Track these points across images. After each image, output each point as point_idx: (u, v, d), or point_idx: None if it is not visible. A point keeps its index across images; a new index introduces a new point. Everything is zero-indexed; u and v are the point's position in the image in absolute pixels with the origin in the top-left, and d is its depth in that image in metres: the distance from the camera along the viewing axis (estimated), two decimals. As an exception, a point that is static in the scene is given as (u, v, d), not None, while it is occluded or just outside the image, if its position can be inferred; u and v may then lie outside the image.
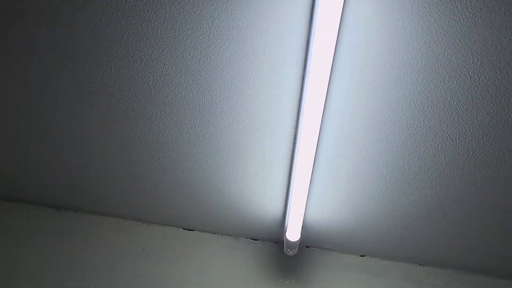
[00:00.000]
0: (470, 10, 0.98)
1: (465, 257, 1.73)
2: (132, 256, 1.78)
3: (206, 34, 1.12)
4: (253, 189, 1.63)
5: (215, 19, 1.09)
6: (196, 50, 1.16)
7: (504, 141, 1.25)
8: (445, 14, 1.00)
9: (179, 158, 1.54)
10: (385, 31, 1.04)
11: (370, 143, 1.35)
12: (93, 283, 1.71)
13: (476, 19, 0.99)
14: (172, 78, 1.25)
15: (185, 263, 1.79)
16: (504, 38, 1.02)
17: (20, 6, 1.12)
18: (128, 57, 1.21)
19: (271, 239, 1.85)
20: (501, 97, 1.14)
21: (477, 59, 1.07)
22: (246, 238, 1.86)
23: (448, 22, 1.01)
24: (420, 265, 1.80)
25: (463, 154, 1.32)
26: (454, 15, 1.00)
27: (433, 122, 1.23)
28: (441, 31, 1.03)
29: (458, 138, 1.27)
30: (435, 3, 0.98)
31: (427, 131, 1.26)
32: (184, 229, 1.87)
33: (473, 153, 1.30)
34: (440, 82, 1.13)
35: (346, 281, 1.77)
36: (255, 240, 1.86)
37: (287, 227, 1.63)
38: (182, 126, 1.40)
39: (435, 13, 1.00)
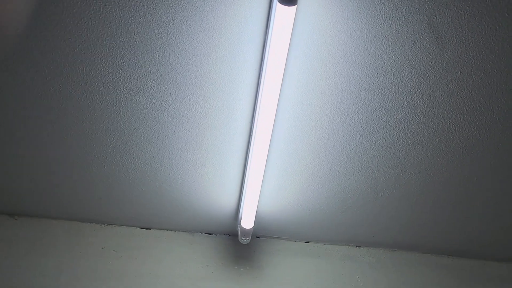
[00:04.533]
0: (392, 18, 1.25)
1: (394, 236, 2.00)
2: (91, 256, 1.85)
3: (164, 34, 1.29)
4: (206, 185, 1.78)
5: (175, 20, 1.26)
6: (152, 47, 1.32)
7: (423, 129, 1.53)
8: (373, 22, 1.25)
9: (133, 157, 1.66)
10: (332, 33, 1.28)
11: (318, 136, 1.57)
12: (54, 284, 1.75)
13: (396, 26, 1.26)
14: (127, 76, 1.39)
15: (144, 259, 1.89)
16: (416, 41, 1.29)
17: None
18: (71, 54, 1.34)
19: (225, 232, 2.01)
20: (417, 90, 1.42)
21: (398, 58, 1.34)
22: (202, 232, 2.00)
23: (375, 29, 1.26)
24: (356, 246, 2.04)
25: (391, 141, 1.58)
26: (380, 23, 1.26)
27: (366, 113, 1.49)
28: (370, 35, 1.28)
29: (385, 127, 1.53)
30: (364, 13, 1.23)
31: (362, 120, 1.51)
32: (141, 228, 1.97)
33: (397, 139, 1.57)
34: (371, 77, 1.39)
35: (294, 265, 1.96)
36: (210, 234, 2.00)
37: (241, 216, 1.79)
38: (135, 122, 1.53)
39: (365, 20, 1.25)
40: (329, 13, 1.23)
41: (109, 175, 1.73)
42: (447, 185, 1.75)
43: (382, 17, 1.24)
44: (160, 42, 1.30)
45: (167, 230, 1.98)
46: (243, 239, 1.85)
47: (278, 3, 1.12)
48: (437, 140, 1.58)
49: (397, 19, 1.25)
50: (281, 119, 1.52)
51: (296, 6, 1.12)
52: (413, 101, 1.45)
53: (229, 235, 2.01)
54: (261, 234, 2.01)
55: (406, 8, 1.22)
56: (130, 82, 1.41)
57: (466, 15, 1.23)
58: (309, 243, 2.03)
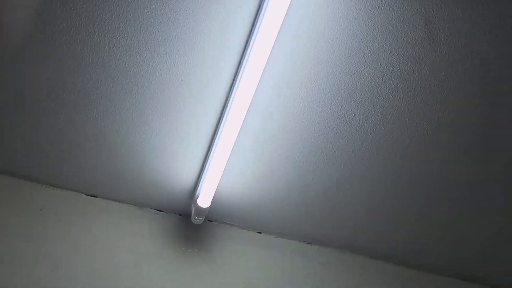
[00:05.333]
0: (390, 5, 1.23)
1: (346, 237, 1.98)
2: (28, 216, 1.68)
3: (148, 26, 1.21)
4: (166, 158, 1.68)
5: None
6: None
7: (396, 126, 1.53)
8: (369, 8, 1.23)
9: (88, 113, 1.53)
10: (308, 32, 1.25)
11: (289, 128, 1.54)
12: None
13: (393, 14, 1.25)
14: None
15: (85, 227, 1.74)
16: (409, 33, 1.29)
17: None
18: None
19: (176, 211, 1.90)
20: (399, 84, 1.41)
21: (388, 48, 1.32)
22: (151, 208, 1.88)
23: (370, 16, 1.25)
24: (308, 243, 2.01)
25: (361, 136, 1.57)
26: (376, 10, 1.24)
27: (334, 107, 1.47)
28: (363, 21, 1.26)
29: (355, 121, 1.52)
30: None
31: (331, 115, 1.49)
32: (87, 194, 1.83)
33: (371, 134, 1.56)
34: (356, 65, 1.36)
35: (243, 254, 1.89)
36: (160, 211, 1.89)
37: (199, 194, 1.70)
38: (100, 82, 1.43)
39: (361, 5, 1.23)
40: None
41: (60, 131, 1.59)
42: (403, 195, 1.77)
43: (380, 3, 1.23)
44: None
45: (114, 200, 1.85)
46: (196, 219, 1.76)
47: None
48: (408, 141, 1.58)
49: (396, 6, 1.24)
50: (257, 105, 1.48)
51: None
52: (393, 96, 1.45)
53: (180, 215, 1.91)
54: (214, 218, 1.92)
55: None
56: (105, 27, 1.30)
57: (462, 15, 1.25)
58: (262, 234, 1.97)
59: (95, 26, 1.30)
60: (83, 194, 1.82)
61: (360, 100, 1.46)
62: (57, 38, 1.33)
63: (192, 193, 1.81)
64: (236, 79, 1.39)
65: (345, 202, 1.82)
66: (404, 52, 1.33)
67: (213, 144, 1.58)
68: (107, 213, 1.81)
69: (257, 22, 1.23)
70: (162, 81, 1.44)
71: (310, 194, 1.80)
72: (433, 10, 1.24)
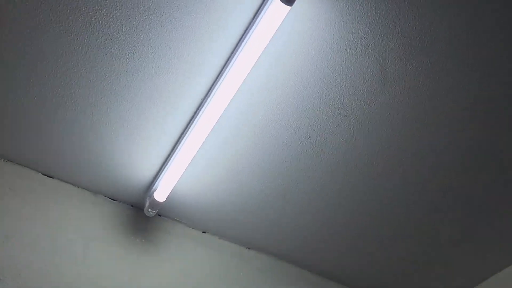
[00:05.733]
0: (355, 49, 1.45)
1: (284, 247, 2.16)
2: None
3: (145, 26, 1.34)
4: (129, 147, 1.77)
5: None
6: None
7: (343, 149, 1.75)
8: (342, 48, 1.45)
9: (66, 96, 1.60)
10: (288, 60, 1.44)
11: (254, 139, 1.72)
12: None
13: (353, 56, 1.47)
14: None
15: (39, 207, 1.80)
16: (365, 74, 1.51)
17: None
18: None
19: (129, 202, 1.99)
20: (350, 115, 1.64)
21: (345, 85, 1.54)
22: (105, 196, 1.96)
23: (339, 54, 1.46)
24: (247, 247, 2.17)
25: (310, 156, 1.77)
26: (345, 52, 1.45)
27: (293, 128, 1.68)
28: (334, 58, 1.47)
29: (308, 138, 1.72)
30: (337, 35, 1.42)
31: (287, 136, 1.69)
32: (44, 174, 1.88)
33: (319, 156, 1.77)
34: (317, 95, 1.57)
35: (186, 250, 2.02)
36: (114, 200, 1.97)
37: (157, 188, 1.82)
38: (77, 70, 1.53)
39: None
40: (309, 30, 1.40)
41: (29, 108, 1.64)
42: (346, 214, 1.99)
43: (348, 47, 1.44)
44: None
45: (70, 184, 1.91)
46: (149, 211, 1.87)
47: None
48: (352, 165, 1.80)
49: (360, 51, 1.46)
50: (227, 119, 1.64)
51: (290, 8, 1.26)
52: (343, 123, 1.66)
53: (132, 206, 2.00)
54: (164, 213, 2.03)
55: (367, 44, 1.44)
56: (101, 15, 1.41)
57: (410, 67, 1.49)
58: (206, 233, 2.10)
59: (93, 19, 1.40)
60: (40, 174, 1.87)
61: (316, 124, 1.66)
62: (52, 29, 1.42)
63: (148, 187, 1.91)
64: (212, 90, 1.54)
65: (290, 215, 2.00)
66: (359, 90, 1.56)
67: (178, 146, 1.71)
68: (61, 195, 1.87)
69: (243, 38, 1.39)
70: (139, 77, 1.55)
71: (256, 204, 1.97)
72: (387, 59, 1.48)
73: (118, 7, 1.38)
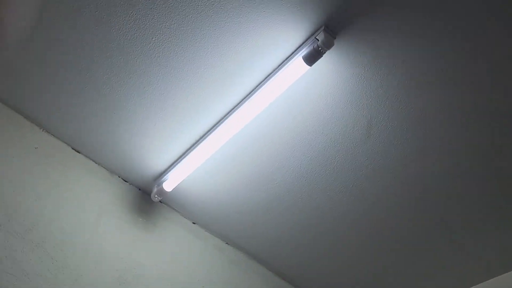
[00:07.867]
0: (346, 103, 1.85)
1: (256, 246, 2.53)
2: (24, 153, 2.04)
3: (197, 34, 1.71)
4: (147, 143, 2.12)
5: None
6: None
7: (331, 178, 2.13)
8: (334, 100, 1.84)
9: (102, 71, 1.90)
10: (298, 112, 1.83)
11: (270, 153, 2.09)
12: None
13: (343, 111, 1.86)
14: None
15: (66, 175, 2.12)
16: (351, 125, 1.91)
17: None
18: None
19: (137, 185, 2.33)
20: (334, 161, 2.03)
21: (332, 135, 1.93)
22: (119, 177, 2.30)
23: (331, 108, 1.85)
24: (226, 243, 2.53)
25: (301, 181, 2.15)
26: (336, 105, 1.84)
27: (289, 154, 2.06)
28: (326, 111, 1.87)
29: (299, 167, 2.10)
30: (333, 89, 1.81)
31: (290, 160, 2.07)
32: (73, 148, 2.20)
33: (305, 180, 2.15)
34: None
35: (178, 236, 2.36)
36: (125, 181, 2.31)
37: (166, 179, 2.16)
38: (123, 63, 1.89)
39: (330, 94, 1.83)
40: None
41: (76, 88, 1.97)
42: (331, 227, 2.38)
43: (347, 103, 1.84)
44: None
45: (92, 160, 2.24)
46: (156, 197, 2.21)
47: (300, 57, 1.62)
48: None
49: (350, 105, 1.85)
50: (244, 134, 2.01)
51: (309, 68, 1.64)
52: (327, 167, 2.06)
53: (140, 189, 2.35)
54: (165, 201, 2.37)
55: (356, 104, 1.84)
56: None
57: (396, 124, 1.89)
58: (195, 224, 2.46)
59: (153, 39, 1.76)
60: (70, 147, 2.20)
61: (311, 165, 2.05)
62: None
63: (158, 176, 2.25)
64: (233, 110, 1.91)
65: (269, 223, 2.37)
66: (343, 142, 1.96)
67: (194, 147, 2.06)
68: (84, 169, 2.20)
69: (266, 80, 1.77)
70: (178, 85, 1.91)
71: (242, 209, 2.33)
72: (374, 118, 1.88)
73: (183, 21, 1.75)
